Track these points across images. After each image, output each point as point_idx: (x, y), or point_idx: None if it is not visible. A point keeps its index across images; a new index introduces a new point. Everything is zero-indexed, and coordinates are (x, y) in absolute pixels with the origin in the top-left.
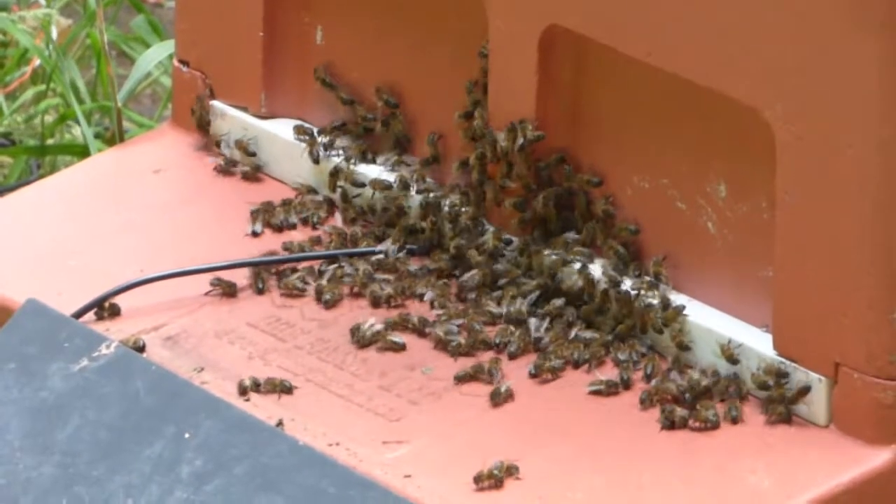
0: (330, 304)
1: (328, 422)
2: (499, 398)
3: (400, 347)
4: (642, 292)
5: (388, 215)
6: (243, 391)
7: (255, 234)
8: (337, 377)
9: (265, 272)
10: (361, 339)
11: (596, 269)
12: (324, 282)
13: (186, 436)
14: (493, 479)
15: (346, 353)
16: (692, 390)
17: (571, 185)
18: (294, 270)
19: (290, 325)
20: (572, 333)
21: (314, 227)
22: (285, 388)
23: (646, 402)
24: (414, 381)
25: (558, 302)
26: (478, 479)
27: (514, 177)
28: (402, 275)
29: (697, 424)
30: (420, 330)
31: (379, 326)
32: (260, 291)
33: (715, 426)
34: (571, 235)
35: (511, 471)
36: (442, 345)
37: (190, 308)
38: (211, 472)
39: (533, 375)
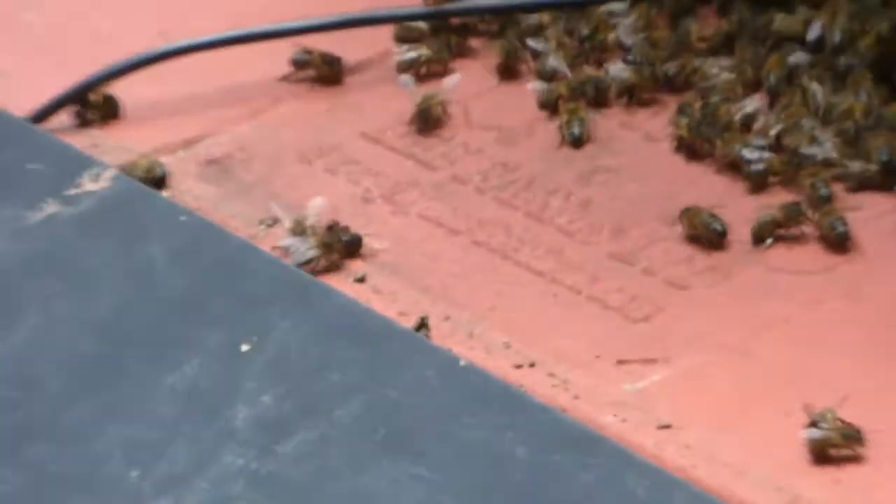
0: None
1: (519, 323)
2: None
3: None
4: None
5: None
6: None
7: None
8: (533, 237)
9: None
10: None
11: None
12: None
13: (245, 348)
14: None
15: (552, 190)
16: None
17: None
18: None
19: (445, 141)
20: None
21: None
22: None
23: None
24: (669, 245)
25: None
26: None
27: None
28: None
29: None
30: None
31: None
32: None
33: None
34: None
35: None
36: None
37: (250, 107)
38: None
39: None
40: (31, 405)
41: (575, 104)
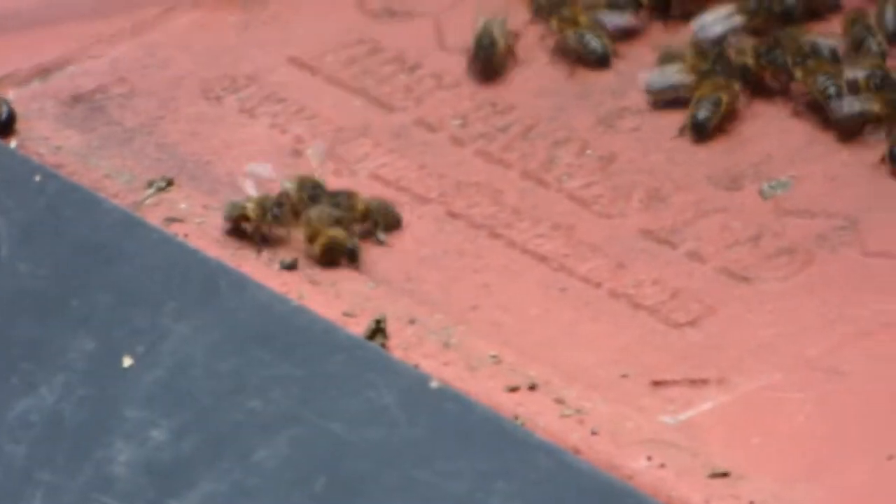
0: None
1: (514, 329)
2: None
3: None
4: None
5: None
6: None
7: None
8: (533, 207)
9: None
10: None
11: None
12: None
13: (128, 363)
14: None
15: (560, 140)
16: None
17: None
18: None
19: (409, 70)
20: None
21: None
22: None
23: None
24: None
25: None
26: None
27: None
28: None
29: None
30: None
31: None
32: None
33: None
34: None
35: None
36: None
37: (132, 19)
38: None
39: None
40: None
41: (585, 13)
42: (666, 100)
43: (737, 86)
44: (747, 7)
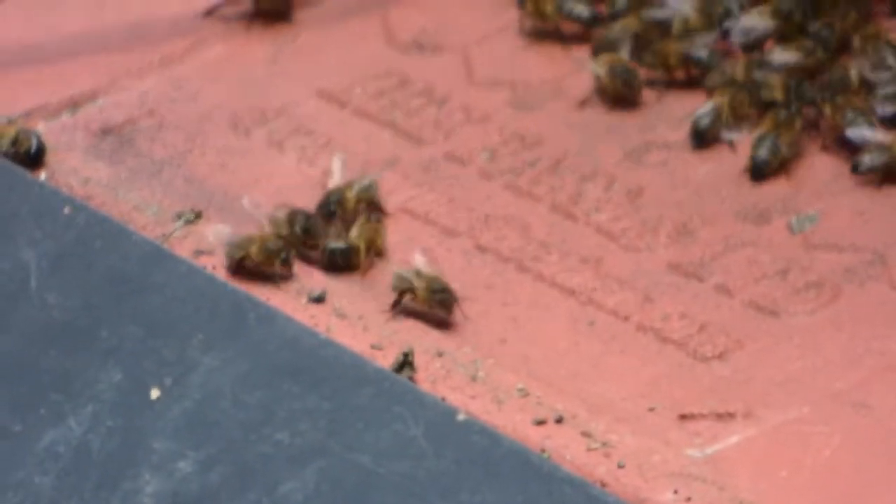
0: None
1: (541, 362)
2: None
3: None
4: None
5: None
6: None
7: None
8: (561, 241)
9: None
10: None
11: None
12: None
13: (155, 395)
14: None
15: (588, 174)
16: None
17: None
18: None
19: (437, 103)
20: None
21: None
22: (444, 300)
23: None
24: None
25: None
26: None
27: None
28: None
29: None
30: None
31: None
32: None
33: None
34: None
35: None
36: None
37: (161, 52)
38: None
39: None
40: None
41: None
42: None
43: (799, 123)
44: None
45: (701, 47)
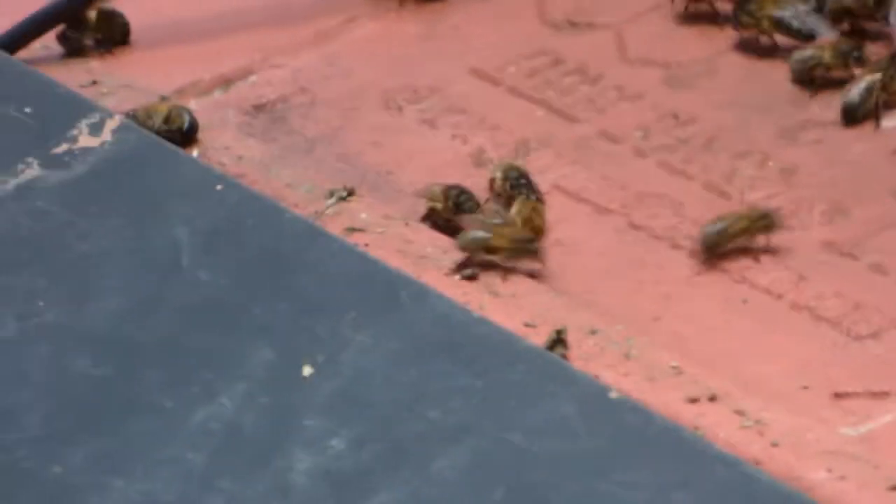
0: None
1: (694, 340)
2: None
3: None
4: None
5: None
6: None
7: None
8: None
9: None
10: None
11: None
12: None
13: (307, 372)
14: None
15: (742, 153)
16: None
17: None
18: None
19: (591, 81)
20: None
21: None
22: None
23: None
24: None
25: None
26: None
27: None
28: None
29: None
30: None
31: None
32: None
33: None
34: None
35: None
36: None
37: (314, 29)
38: None
39: None
40: (2, 452)
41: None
42: None
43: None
44: None
45: (793, 16)
